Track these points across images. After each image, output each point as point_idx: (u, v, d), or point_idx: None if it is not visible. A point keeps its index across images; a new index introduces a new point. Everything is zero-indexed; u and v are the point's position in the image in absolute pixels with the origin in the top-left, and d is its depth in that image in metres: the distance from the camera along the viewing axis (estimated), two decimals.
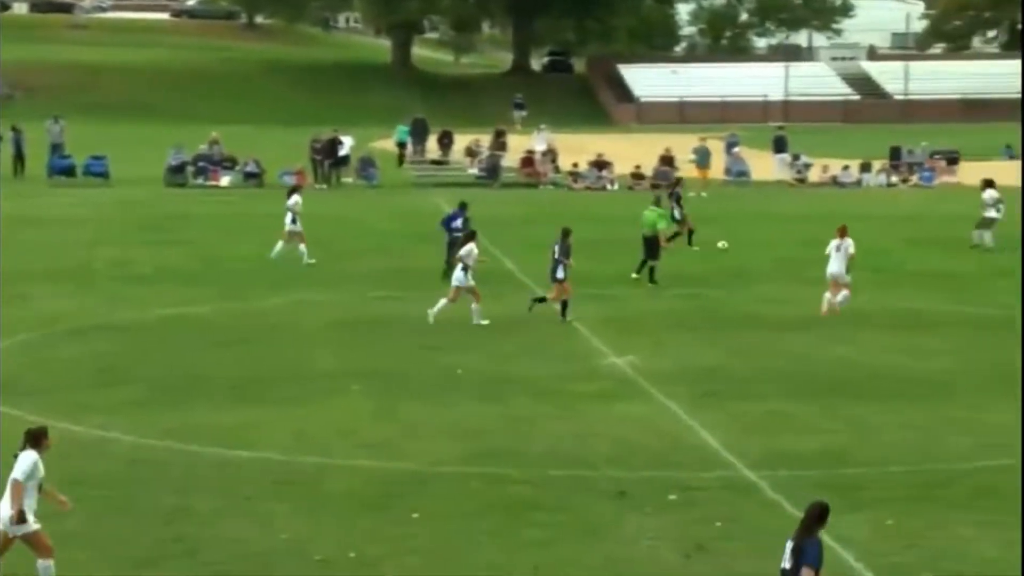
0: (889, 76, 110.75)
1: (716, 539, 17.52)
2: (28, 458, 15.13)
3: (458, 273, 30.93)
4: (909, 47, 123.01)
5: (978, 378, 26.18)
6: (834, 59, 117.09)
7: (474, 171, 63.71)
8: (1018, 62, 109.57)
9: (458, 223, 36.80)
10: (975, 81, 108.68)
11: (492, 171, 63.00)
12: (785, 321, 31.50)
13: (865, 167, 64.75)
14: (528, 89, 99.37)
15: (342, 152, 63.02)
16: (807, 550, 12.91)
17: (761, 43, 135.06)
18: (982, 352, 28.40)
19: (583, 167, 63.46)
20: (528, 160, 64.29)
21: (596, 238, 45.36)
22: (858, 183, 63.86)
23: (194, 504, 18.65)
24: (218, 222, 48.22)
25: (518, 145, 67.04)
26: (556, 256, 31.36)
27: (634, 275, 36.42)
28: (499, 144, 66.07)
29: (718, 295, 35.08)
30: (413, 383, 25.61)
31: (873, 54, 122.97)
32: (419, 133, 67.29)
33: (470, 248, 31.16)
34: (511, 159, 64.88)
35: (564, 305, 31.24)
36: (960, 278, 37.46)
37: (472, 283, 30.90)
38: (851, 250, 32.05)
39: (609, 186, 62.43)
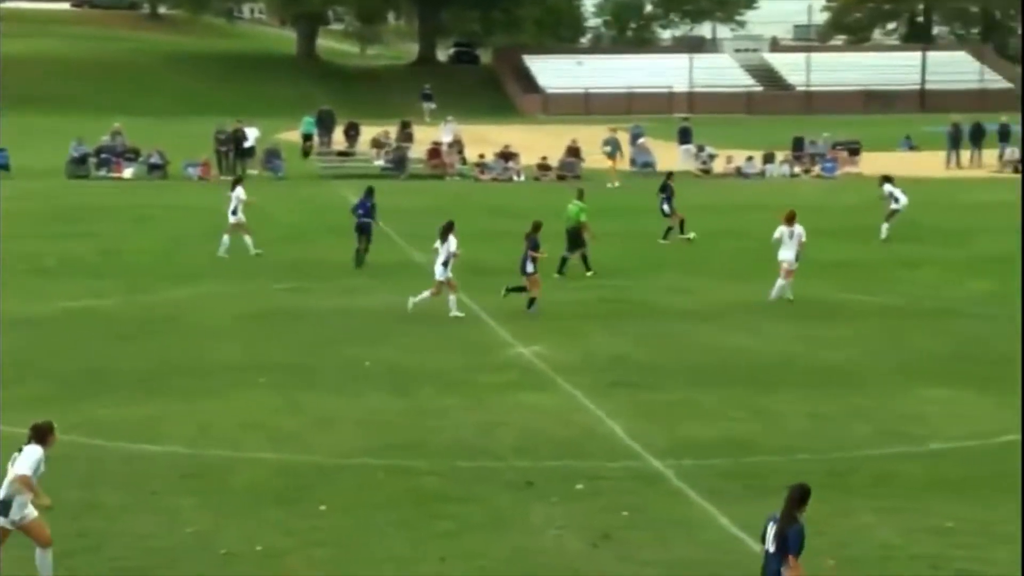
0: (791, 68, 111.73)
1: (622, 528, 17.59)
2: (34, 453, 15.02)
3: (438, 266, 30.82)
4: (811, 39, 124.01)
5: (881, 366, 26.46)
6: (737, 51, 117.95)
7: (380, 163, 63.53)
8: (917, 54, 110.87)
9: (365, 208, 37.60)
10: (876, 73, 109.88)
11: (399, 163, 62.86)
12: (690, 311, 31.67)
13: (768, 158, 65.29)
14: (434, 80, 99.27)
15: (247, 144, 62.65)
16: (789, 537, 13.08)
17: (666, 35, 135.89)
18: (885, 341, 28.70)
19: (489, 158, 63.48)
20: (435, 151, 64.22)
21: (503, 229, 45.39)
22: (762, 174, 64.38)
23: (100, 499, 18.47)
24: (122, 214, 47.79)
25: (425, 137, 66.96)
26: (526, 250, 31.50)
27: (561, 269, 36.44)
28: (405, 136, 65.94)
29: (624, 285, 35.21)
30: (320, 375, 25.51)
31: (776, 46, 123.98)
32: (325, 125, 67.05)
33: (452, 241, 30.99)
34: (418, 151, 64.78)
35: (531, 301, 31.29)
36: (862, 267, 37.83)
37: (450, 275, 30.79)
38: (803, 238, 32.30)
39: (516, 177, 62.49)
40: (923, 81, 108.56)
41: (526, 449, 20.94)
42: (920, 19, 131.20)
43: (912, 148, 75.41)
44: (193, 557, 16.54)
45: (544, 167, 62.98)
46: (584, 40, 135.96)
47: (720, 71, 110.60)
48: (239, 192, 39.11)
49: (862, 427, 22.21)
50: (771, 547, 13.14)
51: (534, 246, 31.54)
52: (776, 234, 32.65)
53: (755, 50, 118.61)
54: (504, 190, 58.75)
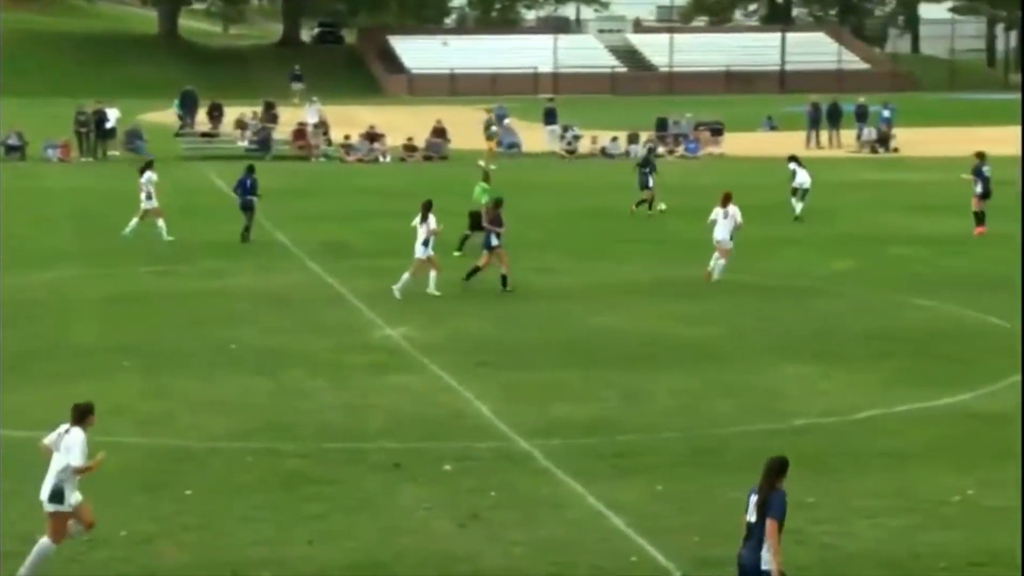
0: (655, 49, 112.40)
1: (490, 508, 17.64)
2: (80, 439, 15.20)
3: (418, 246, 30.69)
4: (673, 20, 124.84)
5: (746, 344, 26.76)
6: (601, 32, 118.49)
7: (244, 144, 63.01)
8: (777, 35, 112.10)
9: (246, 186, 38.06)
10: (737, 54, 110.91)
11: (263, 144, 62.40)
12: (557, 291, 31.79)
13: (633, 138, 65.58)
14: (299, 60, 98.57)
15: (108, 125, 61.79)
16: (772, 503, 13.26)
17: (530, 15, 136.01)
18: (750, 319, 29.02)
19: (355, 139, 63.21)
20: (300, 132, 63.82)
21: (369, 210, 45.30)
22: (626, 154, 64.59)
23: None
24: None
25: (290, 118, 66.50)
26: (487, 227, 31.48)
27: (461, 247, 36.47)
28: (270, 116, 65.46)
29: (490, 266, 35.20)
30: (186, 358, 25.27)
31: (639, 27, 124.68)
32: (188, 105, 66.28)
33: (433, 221, 30.89)
34: (282, 132, 64.33)
35: (504, 278, 31.26)
36: None
37: (431, 254, 30.66)
38: (739, 219, 32.59)
39: (381, 158, 62.30)
40: (783, 62, 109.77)
41: (394, 431, 20.92)
42: (780, 0, 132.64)
43: (773, 128, 76.27)
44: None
45: (410, 148, 62.86)
46: (449, 20, 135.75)
47: (584, 52, 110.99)
48: (150, 175, 38.70)
49: (727, 404, 22.45)
50: (752, 517, 13.35)
51: (497, 221, 31.44)
52: (711, 216, 32.88)
53: (619, 31, 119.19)
54: (370, 171, 58.56)
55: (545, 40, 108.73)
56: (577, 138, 65.91)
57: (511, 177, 55.76)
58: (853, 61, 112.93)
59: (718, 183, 50.44)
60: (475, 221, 36.45)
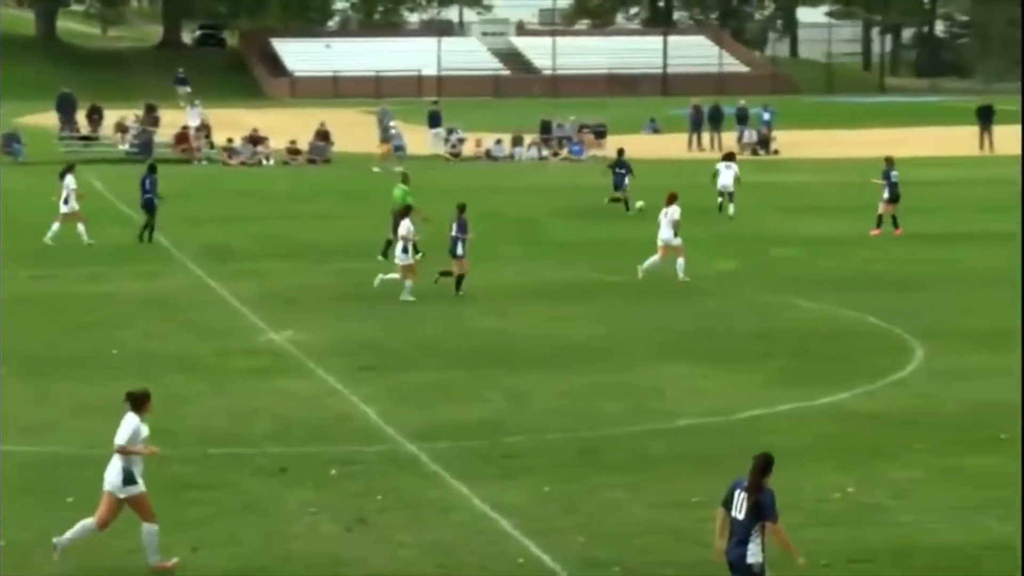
0: (538, 51, 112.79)
1: (377, 512, 17.59)
2: (130, 423, 15.50)
3: (398, 251, 30.74)
4: (556, 23, 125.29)
5: (630, 345, 26.90)
6: (485, 34, 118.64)
7: (125, 147, 62.35)
8: (659, 39, 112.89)
9: (146, 186, 38.52)
10: (620, 57, 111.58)
11: (145, 147, 61.74)
12: (439, 292, 31.76)
13: (517, 141, 65.75)
14: (180, 63, 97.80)
15: None
16: (764, 505, 13.43)
17: (413, 18, 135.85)
18: (633, 319, 29.19)
19: (238, 142, 62.77)
20: (182, 136, 63.26)
21: (252, 213, 45.05)
22: (511, 157, 64.86)
23: None
24: None
25: (172, 120, 65.90)
26: (454, 233, 31.28)
27: (385, 252, 36.36)
28: (151, 119, 64.82)
29: (371, 268, 35.11)
30: (67, 364, 24.96)
31: (522, 30, 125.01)
32: (66, 108, 65.43)
33: (407, 225, 30.81)
34: (164, 135, 63.73)
35: (459, 280, 31.26)
36: (610, 247, 38.36)
37: (410, 260, 30.62)
38: (676, 216, 33.06)
39: (265, 161, 61.93)
40: (665, 65, 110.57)
41: (279, 435, 20.81)
42: (661, 4, 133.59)
43: (656, 131, 76.79)
44: None
45: (294, 151, 62.55)
46: (332, 23, 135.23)
47: (468, 55, 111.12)
48: (69, 181, 38.36)
49: (612, 405, 22.56)
50: (740, 514, 13.46)
51: (463, 228, 31.37)
52: (659, 216, 33.37)
53: (502, 34, 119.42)
54: (253, 174, 58.20)
55: (429, 43, 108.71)
56: (461, 141, 65.93)
57: (395, 179, 55.66)
58: (734, 64, 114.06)
59: (602, 185, 50.73)
60: (398, 223, 36.41)
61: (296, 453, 19.88)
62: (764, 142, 67.50)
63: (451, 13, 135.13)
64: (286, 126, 68.51)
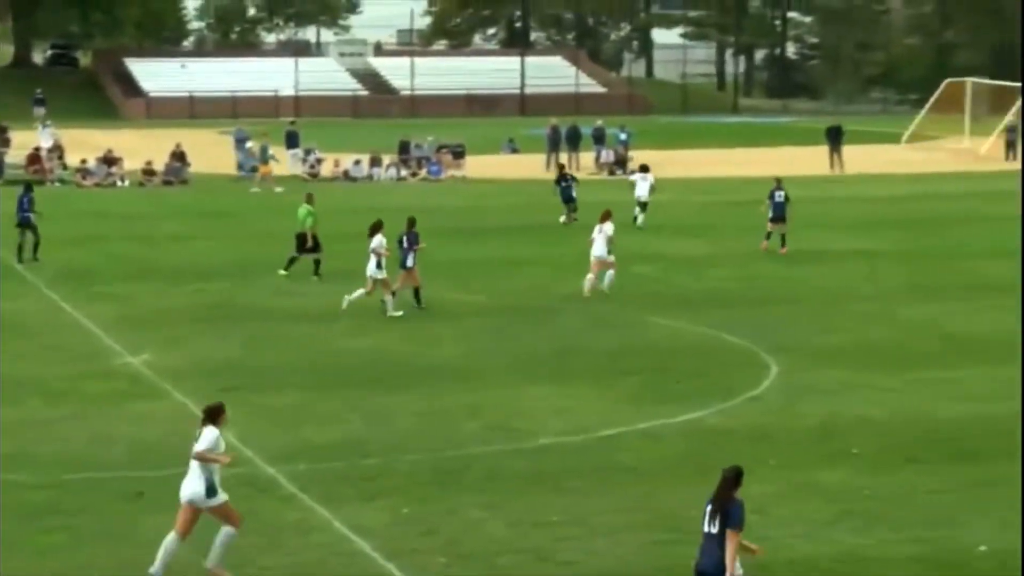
0: (396, 72, 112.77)
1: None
2: (210, 434, 15.98)
3: (371, 266, 30.75)
4: (414, 44, 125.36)
5: (491, 364, 26.98)
6: (342, 55, 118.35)
7: None
8: (516, 59, 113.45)
9: (23, 205, 38.95)
10: (478, 77, 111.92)
11: None
12: (299, 313, 31.63)
13: (375, 161, 65.69)
14: (32, 83, 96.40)
15: None
16: (732, 513, 13.53)
17: (270, 38, 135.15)
18: (494, 339, 29.27)
19: (92, 163, 61.98)
20: (35, 157, 62.34)
21: (107, 235, 44.52)
22: (369, 177, 64.76)
23: None
24: None
25: (26, 142, 64.92)
26: (404, 246, 31.35)
27: (282, 271, 36.42)
28: (2, 140, 63.82)
29: (230, 288, 34.90)
30: None
31: (380, 50, 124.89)
32: None
33: (379, 239, 30.85)
34: (16, 155, 62.73)
35: (417, 292, 31.54)
36: (465, 266, 38.44)
37: (384, 275, 30.69)
38: (610, 232, 33.81)
39: (120, 182, 61.22)
40: (523, 85, 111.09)
41: (137, 459, 20.58)
42: (518, 25, 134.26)
43: (514, 151, 77.13)
44: None
45: (149, 172, 61.89)
46: (187, 43, 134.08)
47: (326, 75, 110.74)
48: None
49: (471, 425, 22.62)
50: (714, 528, 13.59)
51: (414, 240, 31.52)
52: (592, 233, 33.83)
53: (360, 54, 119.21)
54: (107, 196, 57.51)
55: (286, 63, 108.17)
56: (320, 161, 65.70)
57: (258, 200, 55.42)
58: (590, 85, 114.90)
59: (461, 205, 50.87)
60: (301, 243, 36.38)
61: (153, 477, 19.67)
62: (621, 162, 67.95)
63: (308, 33, 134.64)
64: (141, 147, 67.81)
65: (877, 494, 19.10)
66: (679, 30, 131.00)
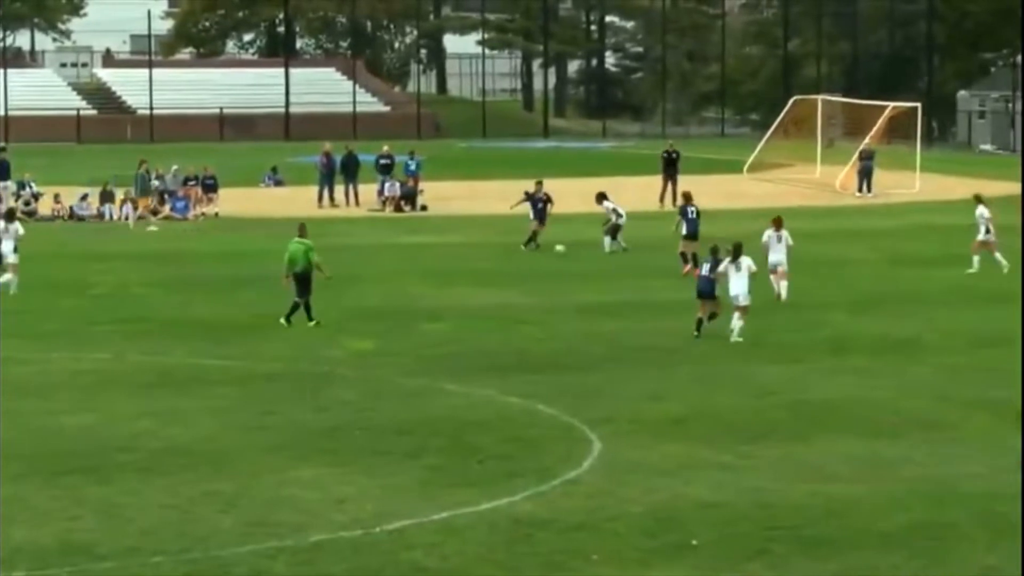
0: (131, 86, 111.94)
1: None
2: None
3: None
4: (153, 52, 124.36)
5: (248, 444, 26.67)
6: (63, 66, 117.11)
7: None
8: (280, 71, 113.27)
9: None
10: (233, 92, 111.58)
11: None
12: (10, 384, 31.04)
13: (107, 196, 64.04)
14: None
15: None
16: None
17: None
18: (252, 412, 28.94)
19: None
20: None
21: None
22: (100, 216, 63.44)
23: None
24: None
25: None
26: None
27: (283, 321, 37.36)
28: None
29: None
30: None
31: (110, 60, 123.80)
32: None
33: None
34: None
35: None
36: (216, 327, 38.04)
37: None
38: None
39: None
40: (287, 103, 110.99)
41: None
42: (281, 30, 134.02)
43: (279, 183, 76.81)
44: None
45: None
46: None
47: (43, 90, 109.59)
48: (15, 228, 42.79)
49: (226, 519, 22.32)
50: None
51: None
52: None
53: (85, 65, 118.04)
54: None
55: None
56: (36, 196, 64.59)
57: None
58: (370, 102, 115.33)
59: (214, 251, 50.42)
60: (302, 284, 37.92)
61: None
62: (410, 196, 67.32)
63: (22, 40, 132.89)
64: None
65: None
66: (476, 36, 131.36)
